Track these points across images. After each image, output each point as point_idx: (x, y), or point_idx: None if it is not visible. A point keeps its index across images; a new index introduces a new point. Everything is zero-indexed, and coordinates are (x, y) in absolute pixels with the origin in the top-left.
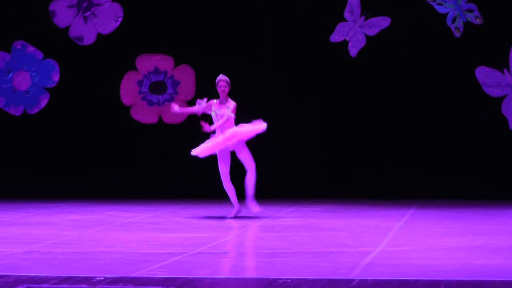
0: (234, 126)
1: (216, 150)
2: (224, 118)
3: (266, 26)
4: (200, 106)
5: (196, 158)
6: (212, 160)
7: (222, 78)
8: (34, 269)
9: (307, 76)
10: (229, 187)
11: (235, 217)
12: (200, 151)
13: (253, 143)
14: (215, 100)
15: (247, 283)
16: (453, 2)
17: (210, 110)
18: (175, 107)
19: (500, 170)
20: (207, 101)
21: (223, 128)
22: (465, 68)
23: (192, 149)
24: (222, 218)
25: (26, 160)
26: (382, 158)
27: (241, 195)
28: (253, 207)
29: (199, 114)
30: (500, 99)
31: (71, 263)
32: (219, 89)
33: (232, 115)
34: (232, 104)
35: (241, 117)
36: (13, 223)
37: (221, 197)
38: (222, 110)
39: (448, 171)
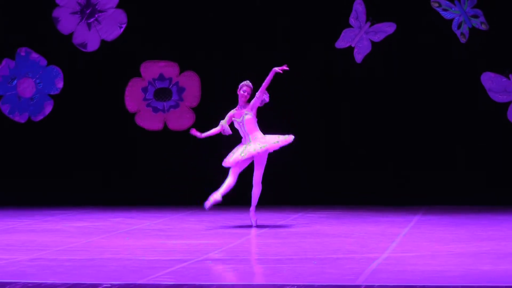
0: (259, 131)
1: (244, 159)
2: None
3: (271, 32)
4: (221, 126)
5: (200, 164)
6: (217, 165)
7: (246, 84)
8: (41, 276)
9: (312, 82)
10: (230, 181)
11: (231, 225)
12: (232, 161)
13: None
14: (233, 111)
15: None
16: (458, 8)
17: (231, 121)
18: (198, 134)
19: (506, 175)
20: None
21: (246, 132)
22: (471, 74)
23: (197, 156)
24: (227, 227)
25: (31, 167)
26: (387, 164)
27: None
28: (253, 217)
29: (226, 133)
30: (506, 104)
31: (78, 270)
32: (241, 93)
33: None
34: (250, 107)
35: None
36: (18, 230)
37: (227, 203)
38: (241, 115)
39: (454, 177)
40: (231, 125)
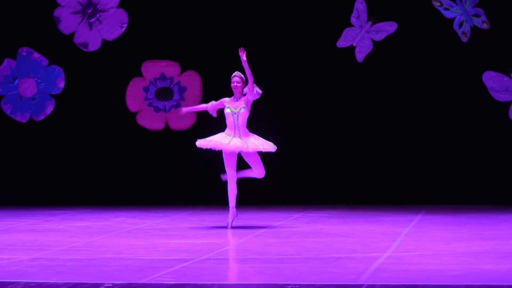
0: (248, 131)
1: (224, 150)
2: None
3: (272, 32)
4: (211, 105)
5: (202, 163)
6: (219, 166)
7: (236, 74)
8: (42, 276)
9: (314, 81)
10: (232, 189)
11: (232, 225)
12: (209, 145)
13: None
14: (228, 98)
15: None
16: (460, 7)
17: (222, 106)
18: (183, 110)
19: (508, 175)
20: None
21: (238, 125)
22: (472, 73)
23: (197, 156)
24: (224, 227)
25: (32, 167)
26: (389, 164)
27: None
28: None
29: (211, 112)
30: (507, 104)
31: (79, 270)
32: (232, 85)
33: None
34: (246, 101)
35: (248, 123)
36: (20, 230)
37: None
38: (238, 107)
39: (456, 176)
40: (219, 112)
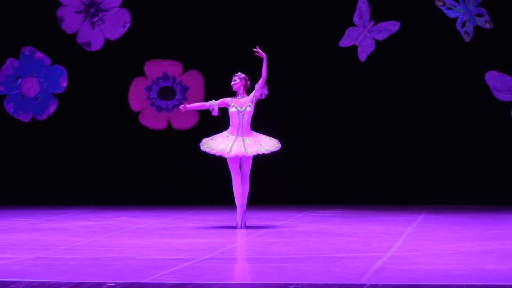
0: (251, 130)
1: (227, 156)
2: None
3: (274, 31)
4: (213, 103)
5: (203, 163)
6: (222, 166)
7: (235, 74)
8: (45, 275)
9: (316, 81)
10: (237, 188)
11: (242, 226)
12: (211, 152)
13: None
14: (231, 98)
15: None
16: (463, 7)
17: (225, 106)
18: (183, 107)
19: (510, 175)
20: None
21: (243, 123)
22: (475, 73)
23: (197, 156)
24: (232, 227)
25: (35, 166)
26: (391, 163)
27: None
28: (242, 218)
29: (213, 112)
30: (510, 103)
31: (82, 269)
32: (231, 83)
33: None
34: (251, 99)
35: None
36: (23, 230)
37: (231, 203)
38: (244, 105)
39: (458, 176)
40: (222, 111)
